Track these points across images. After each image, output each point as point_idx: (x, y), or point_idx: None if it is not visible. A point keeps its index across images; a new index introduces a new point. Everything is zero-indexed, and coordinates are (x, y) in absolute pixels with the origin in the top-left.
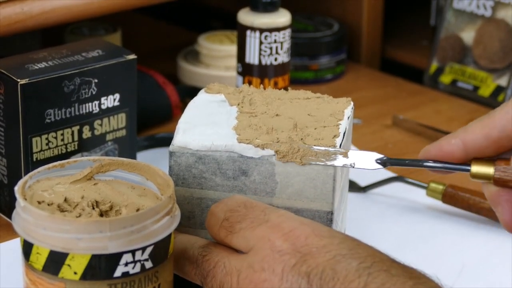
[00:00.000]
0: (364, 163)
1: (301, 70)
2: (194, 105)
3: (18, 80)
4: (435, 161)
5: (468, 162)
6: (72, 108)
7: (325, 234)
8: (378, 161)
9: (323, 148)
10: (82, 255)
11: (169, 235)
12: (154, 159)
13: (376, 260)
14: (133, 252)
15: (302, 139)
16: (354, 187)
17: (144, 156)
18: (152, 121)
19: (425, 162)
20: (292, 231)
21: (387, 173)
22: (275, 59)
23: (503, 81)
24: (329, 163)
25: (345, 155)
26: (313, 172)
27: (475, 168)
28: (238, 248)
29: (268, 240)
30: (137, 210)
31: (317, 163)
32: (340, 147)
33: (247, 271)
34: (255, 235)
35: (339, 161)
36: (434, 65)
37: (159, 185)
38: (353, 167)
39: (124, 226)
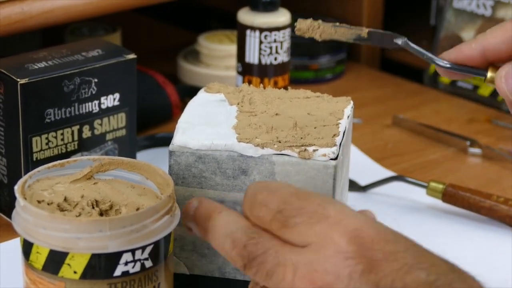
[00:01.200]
0: (384, 41)
1: (301, 69)
2: (194, 104)
3: (18, 79)
4: (454, 63)
5: (485, 68)
6: (72, 108)
7: (389, 238)
8: (398, 41)
9: (344, 25)
10: (82, 254)
11: (169, 234)
12: (154, 159)
13: (439, 272)
14: (133, 251)
15: (302, 138)
16: (354, 186)
17: (144, 156)
18: (152, 121)
19: (444, 61)
20: (357, 231)
21: (387, 173)
22: (275, 59)
23: None
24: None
25: (365, 33)
26: (313, 171)
27: (491, 74)
28: (291, 243)
29: (331, 240)
30: (137, 209)
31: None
32: (340, 146)
33: (306, 269)
34: (314, 231)
35: (359, 38)
36: (434, 65)
37: (159, 184)
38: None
39: (124, 226)
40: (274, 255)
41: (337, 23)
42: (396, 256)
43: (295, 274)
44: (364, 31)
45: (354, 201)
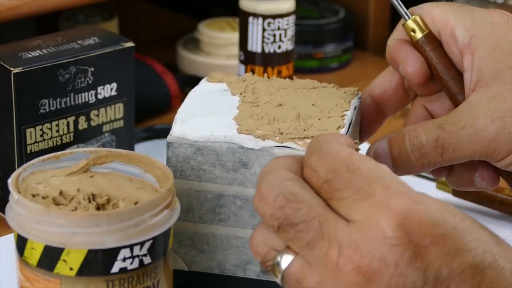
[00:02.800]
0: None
1: (306, 58)
2: (194, 94)
3: (11, 69)
4: None
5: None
6: (68, 98)
7: (438, 218)
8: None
9: None
10: (78, 250)
11: (169, 229)
12: (152, 151)
13: (486, 249)
14: (131, 247)
15: (305, 130)
16: None
17: (142, 148)
18: (150, 112)
19: None
20: (404, 214)
21: None
22: (279, 47)
23: None
24: None
25: None
26: None
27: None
28: (338, 214)
29: (375, 222)
30: (135, 203)
31: None
32: None
33: (350, 249)
34: (359, 209)
35: None
36: None
37: (158, 177)
38: None
39: (121, 220)
40: (317, 225)
41: None
42: (444, 238)
43: (340, 253)
44: None
45: None
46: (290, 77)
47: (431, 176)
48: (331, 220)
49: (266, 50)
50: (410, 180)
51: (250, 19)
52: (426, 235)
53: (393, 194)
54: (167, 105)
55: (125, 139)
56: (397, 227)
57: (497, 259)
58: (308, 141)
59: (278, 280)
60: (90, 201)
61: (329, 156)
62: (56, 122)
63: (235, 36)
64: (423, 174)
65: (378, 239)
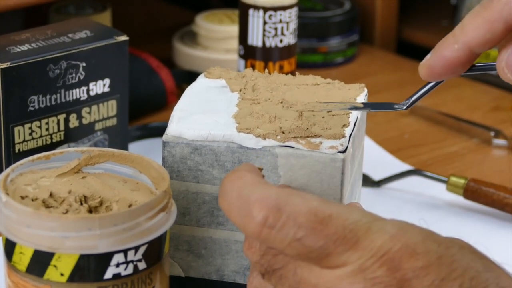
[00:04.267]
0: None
1: (309, 52)
2: (192, 91)
3: None
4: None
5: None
6: (58, 95)
7: (419, 249)
8: (397, 107)
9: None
10: (70, 255)
11: (165, 233)
12: (147, 151)
13: (472, 276)
14: (125, 251)
15: (308, 128)
16: (367, 181)
17: (136, 147)
18: (145, 109)
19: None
20: (384, 251)
21: (404, 166)
22: (281, 41)
23: None
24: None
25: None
26: (319, 164)
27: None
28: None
29: (357, 260)
30: (130, 205)
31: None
32: (349, 138)
33: None
34: (346, 260)
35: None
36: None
37: (153, 178)
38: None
39: (115, 224)
40: (293, 271)
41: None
42: (427, 271)
43: None
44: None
45: (367, 197)
46: (293, 73)
47: (442, 178)
48: (306, 265)
49: (267, 44)
50: (418, 181)
51: (251, 11)
52: (408, 270)
53: (373, 232)
54: (163, 102)
55: (119, 138)
56: (379, 265)
57: (488, 286)
58: (312, 140)
59: None
60: (82, 204)
61: (294, 213)
62: (45, 120)
63: (234, 29)
64: (433, 175)
65: (359, 278)
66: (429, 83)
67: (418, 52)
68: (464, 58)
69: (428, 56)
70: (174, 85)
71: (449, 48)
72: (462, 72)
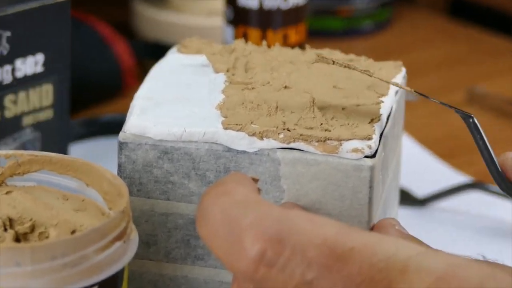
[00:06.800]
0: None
1: (325, 16)
2: (159, 71)
3: None
4: None
5: None
6: None
7: (474, 282)
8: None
9: None
10: None
11: (122, 271)
12: (97, 155)
13: None
14: None
15: (322, 124)
16: (407, 199)
17: (82, 150)
18: (93, 96)
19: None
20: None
21: (458, 177)
22: (284, 0)
23: None
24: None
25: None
26: (338, 174)
27: None
28: None
29: None
30: (73, 232)
31: None
32: (381, 137)
33: None
34: None
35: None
36: None
37: (105, 193)
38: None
39: (52, 257)
40: None
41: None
42: None
43: None
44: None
45: (407, 220)
46: (301, 46)
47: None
48: None
49: (266, 6)
50: (479, 198)
51: None
52: None
53: (414, 274)
54: (118, 85)
55: (56, 136)
56: None
57: None
58: (329, 142)
59: None
60: (6, 229)
61: (304, 246)
62: None
63: None
64: (497, 189)
65: None
66: None
67: (478, 16)
68: None
69: None
70: (133, 62)
71: None
72: None
